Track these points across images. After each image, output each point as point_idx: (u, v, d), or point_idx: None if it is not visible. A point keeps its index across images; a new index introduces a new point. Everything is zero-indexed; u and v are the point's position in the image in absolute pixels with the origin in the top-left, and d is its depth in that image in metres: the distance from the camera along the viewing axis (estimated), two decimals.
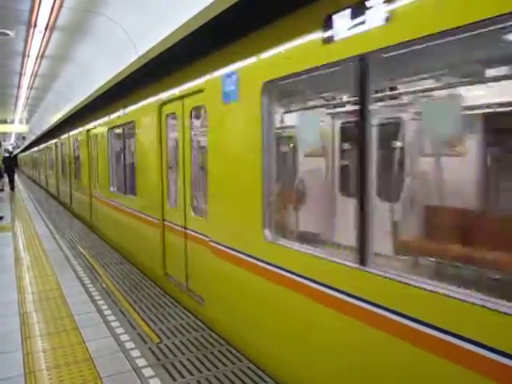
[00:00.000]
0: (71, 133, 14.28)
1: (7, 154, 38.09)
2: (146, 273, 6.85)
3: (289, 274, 3.26)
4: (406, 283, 2.38)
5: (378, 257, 2.84)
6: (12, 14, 6.77)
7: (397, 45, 2.37)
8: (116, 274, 6.84)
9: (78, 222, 12.48)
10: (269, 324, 3.63)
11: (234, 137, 4.15)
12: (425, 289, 2.27)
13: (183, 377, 3.68)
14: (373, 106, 2.66)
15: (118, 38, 6.16)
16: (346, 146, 5.38)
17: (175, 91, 5.49)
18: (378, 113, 4.14)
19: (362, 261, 2.65)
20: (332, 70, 2.91)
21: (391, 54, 2.46)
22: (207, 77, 4.58)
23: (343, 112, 5.27)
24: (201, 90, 4.73)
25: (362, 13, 2.54)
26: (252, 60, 3.75)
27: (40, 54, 9.11)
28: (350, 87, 2.70)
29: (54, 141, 19.12)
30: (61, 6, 6.08)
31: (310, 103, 5.32)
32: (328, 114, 5.44)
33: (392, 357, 2.48)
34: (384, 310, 2.49)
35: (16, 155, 50.38)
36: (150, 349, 4.20)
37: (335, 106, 5.33)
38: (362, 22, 2.55)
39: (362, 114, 2.61)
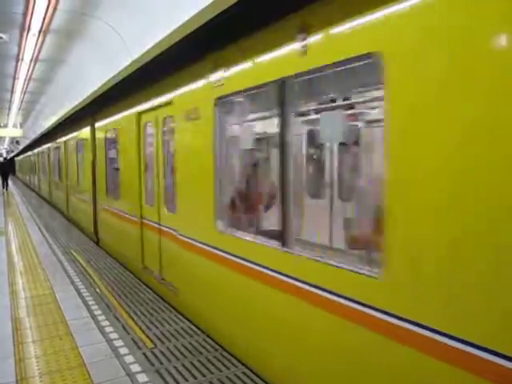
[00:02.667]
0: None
1: (1, 159, 38.16)
2: None
3: None
4: None
5: None
6: (5, 18, 6.75)
7: None
8: (110, 279, 6.79)
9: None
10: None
11: None
12: None
13: (177, 382, 3.64)
14: None
15: (113, 42, 6.14)
16: None
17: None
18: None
19: None
20: None
21: None
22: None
23: None
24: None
25: None
26: None
27: (34, 58, 9.09)
28: None
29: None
30: (55, 10, 6.08)
31: None
32: None
33: None
34: None
35: (12, 158, 49.80)
36: (144, 354, 4.16)
37: None
38: None
39: None
